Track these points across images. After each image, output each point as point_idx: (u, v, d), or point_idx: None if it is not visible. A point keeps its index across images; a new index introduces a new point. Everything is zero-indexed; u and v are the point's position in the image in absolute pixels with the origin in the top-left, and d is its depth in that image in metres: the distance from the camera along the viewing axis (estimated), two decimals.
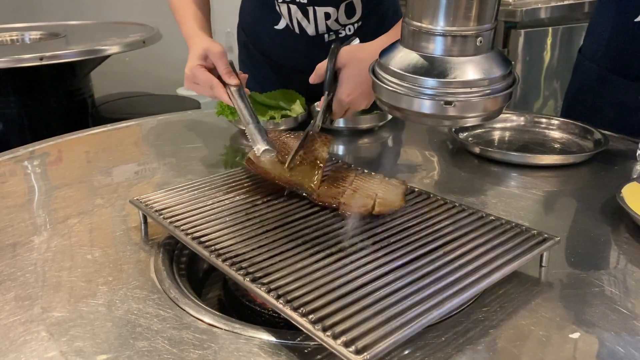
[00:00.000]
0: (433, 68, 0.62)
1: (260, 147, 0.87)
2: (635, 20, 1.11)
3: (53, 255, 0.75)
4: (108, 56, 2.18)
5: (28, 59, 1.88)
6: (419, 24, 0.62)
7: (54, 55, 1.93)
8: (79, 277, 0.70)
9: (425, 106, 0.62)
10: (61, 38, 2.30)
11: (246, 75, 1.06)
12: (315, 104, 1.19)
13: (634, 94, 1.15)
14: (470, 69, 0.61)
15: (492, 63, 0.63)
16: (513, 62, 0.65)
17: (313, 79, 0.99)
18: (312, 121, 0.93)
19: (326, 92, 0.94)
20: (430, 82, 0.61)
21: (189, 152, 1.12)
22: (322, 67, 0.97)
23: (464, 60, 0.61)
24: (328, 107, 0.94)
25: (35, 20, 2.61)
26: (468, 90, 0.61)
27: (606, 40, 1.20)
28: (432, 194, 0.82)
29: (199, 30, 1.09)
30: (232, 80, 0.99)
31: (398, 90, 0.63)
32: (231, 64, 1.02)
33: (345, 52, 0.96)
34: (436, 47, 0.62)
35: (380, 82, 0.66)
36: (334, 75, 0.95)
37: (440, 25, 0.61)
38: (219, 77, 1.00)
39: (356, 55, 0.96)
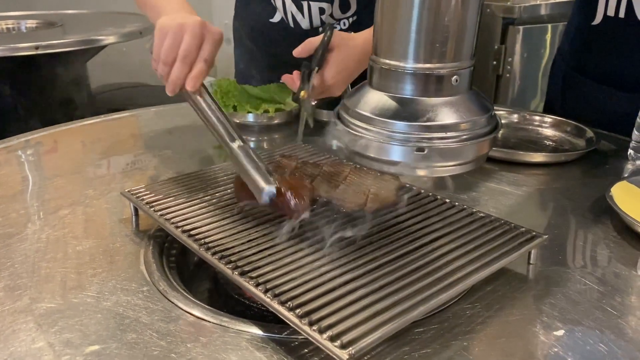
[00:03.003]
0: (403, 110, 0.55)
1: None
2: (592, 24, 1.14)
3: (44, 246, 0.75)
4: (104, 46, 2.17)
5: (24, 48, 1.87)
6: (388, 61, 0.56)
7: (50, 45, 1.91)
8: (69, 268, 0.70)
9: (395, 153, 0.56)
10: (58, 27, 2.29)
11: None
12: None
13: (596, 94, 1.18)
14: (445, 112, 0.55)
15: (470, 105, 0.56)
16: (491, 105, 0.58)
17: (299, 51, 0.95)
18: (302, 93, 0.92)
19: (316, 68, 0.93)
20: (401, 125, 0.55)
21: (183, 145, 1.12)
22: (312, 41, 0.95)
23: (438, 101, 0.55)
24: (309, 80, 0.93)
25: (31, 9, 2.59)
26: (443, 135, 0.55)
27: (571, 41, 1.23)
28: (422, 190, 0.82)
29: (188, 7, 0.92)
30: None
31: (365, 135, 0.57)
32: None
33: (338, 35, 0.96)
34: (407, 87, 0.55)
35: (345, 127, 0.59)
36: (324, 52, 0.95)
37: (411, 62, 0.54)
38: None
39: (348, 41, 0.96)
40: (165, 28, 0.80)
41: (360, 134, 0.57)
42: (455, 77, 0.55)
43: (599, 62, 1.18)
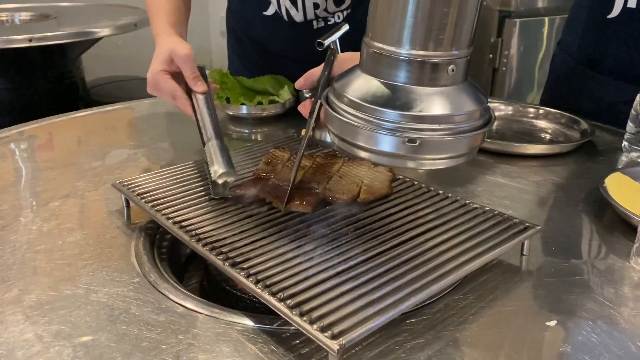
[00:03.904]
0: (395, 98, 0.53)
1: (217, 169, 0.76)
2: (608, 17, 1.11)
3: (34, 237, 0.75)
4: (99, 39, 2.16)
5: (17, 40, 1.86)
6: (381, 45, 0.53)
7: (44, 37, 1.90)
8: (59, 259, 0.70)
9: (385, 143, 0.53)
10: (52, 19, 2.27)
11: (217, 86, 0.96)
12: (304, 92, 1.17)
13: (607, 89, 1.16)
14: (438, 103, 0.53)
15: (465, 97, 0.54)
16: (485, 97, 0.57)
17: (302, 84, 0.89)
18: (304, 130, 0.87)
19: (319, 100, 0.88)
20: (392, 114, 0.52)
21: (178, 136, 1.12)
22: (314, 73, 0.88)
23: (432, 91, 0.53)
24: (317, 116, 0.88)
25: (25, 1, 2.57)
26: (435, 127, 0.52)
27: (580, 35, 1.21)
28: (416, 182, 0.82)
29: (168, 27, 0.96)
30: (199, 87, 0.88)
31: (354, 122, 0.54)
32: (202, 70, 0.92)
33: (341, 59, 0.87)
34: (400, 74, 0.53)
35: (333, 112, 0.57)
36: (328, 84, 0.90)
37: (406, 48, 0.52)
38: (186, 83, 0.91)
39: (352, 64, 0.89)
40: (150, 92, 0.95)
41: (349, 120, 0.55)
42: (451, 66, 0.52)
43: (615, 57, 1.14)
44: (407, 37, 0.52)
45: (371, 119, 0.54)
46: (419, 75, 0.53)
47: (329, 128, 0.59)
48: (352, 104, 0.55)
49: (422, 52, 0.52)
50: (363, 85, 0.55)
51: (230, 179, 0.74)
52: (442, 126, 0.53)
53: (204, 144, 0.83)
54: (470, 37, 0.53)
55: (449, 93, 0.53)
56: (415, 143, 0.52)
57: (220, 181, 0.74)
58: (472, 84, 0.57)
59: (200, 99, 0.88)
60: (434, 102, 0.53)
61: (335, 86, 0.59)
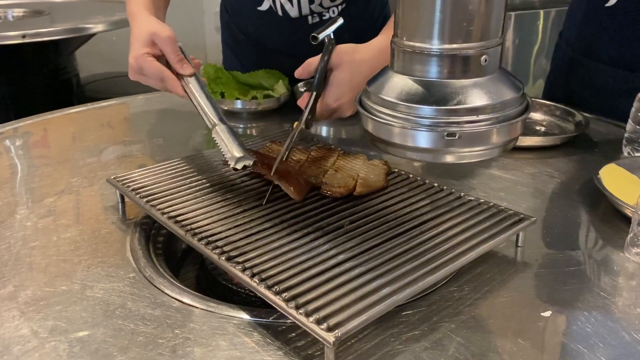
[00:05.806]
0: (431, 94, 0.53)
1: (233, 155, 0.74)
2: (606, 5, 1.11)
3: (30, 233, 0.74)
4: (93, 35, 2.15)
5: (10, 37, 1.85)
6: (412, 43, 0.53)
7: (37, 33, 1.89)
8: (54, 255, 0.70)
9: (424, 139, 0.53)
10: (45, 15, 2.26)
11: (199, 62, 0.93)
12: (299, 86, 1.18)
13: (607, 78, 1.15)
14: (475, 94, 0.52)
15: (500, 85, 0.54)
16: (521, 83, 0.57)
17: (300, 73, 0.89)
18: (296, 123, 0.83)
19: (314, 92, 0.85)
20: (429, 110, 0.52)
21: (173, 131, 1.11)
22: (311, 63, 0.88)
23: (467, 83, 0.53)
24: (313, 108, 0.85)
25: None
26: (474, 118, 0.52)
27: (579, 24, 1.20)
28: (411, 175, 0.82)
29: (145, 10, 0.91)
30: (186, 70, 0.84)
31: (390, 122, 0.54)
32: (181, 50, 0.88)
33: (340, 51, 0.88)
34: (433, 70, 0.53)
35: (368, 114, 0.57)
36: (324, 74, 0.87)
37: (437, 43, 0.52)
38: (169, 66, 0.87)
39: (351, 57, 0.86)
40: (133, 77, 0.90)
41: (385, 121, 0.55)
42: (484, 56, 0.52)
43: (613, 45, 1.14)
44: (436, 31, 0.52)
45: (408, 117, 0.53)
46: (452, 68, 0.53)
47: (365, 129, 0.59)
48: (387, 104, 0.55)
49: (453, 46, 0.52)
50: (396, 84, 0.55)
51: (248, 163, 0.74)
52: (481, 117, 0.52)
53: (211, 125, 0.81)
54: (500, 26, 0.53)
55: (484, 83, 0.53)
56: (455, 137, 0.52)
57: (239, 166, 0.74)
58: (505, 71, 0.56)
59: (191, 82, 0.85)
60: (471, 94, 0.52)
61: (368, 88, 0.58)
